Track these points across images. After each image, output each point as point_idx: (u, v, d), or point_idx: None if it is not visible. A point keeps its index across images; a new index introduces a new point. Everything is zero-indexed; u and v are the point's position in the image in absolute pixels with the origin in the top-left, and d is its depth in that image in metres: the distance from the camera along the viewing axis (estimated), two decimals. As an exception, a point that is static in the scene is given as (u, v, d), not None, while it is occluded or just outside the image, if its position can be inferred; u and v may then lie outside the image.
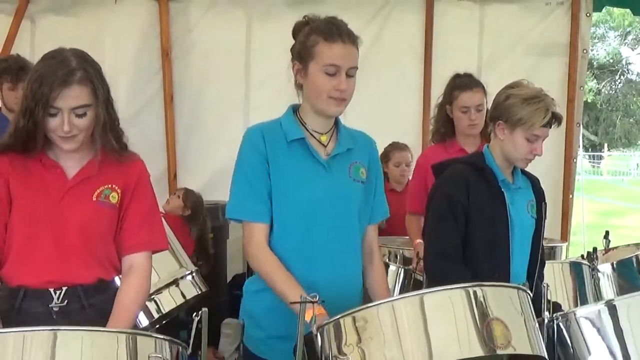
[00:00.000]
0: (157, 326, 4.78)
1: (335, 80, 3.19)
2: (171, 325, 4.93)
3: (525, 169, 3.97)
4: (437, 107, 5.33)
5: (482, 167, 3.86)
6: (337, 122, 3.40)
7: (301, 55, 3.25)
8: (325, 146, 3.34)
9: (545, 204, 4.03)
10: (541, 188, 4.06)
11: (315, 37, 3.21)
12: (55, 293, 3.09)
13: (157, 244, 3.39)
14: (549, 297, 3.53)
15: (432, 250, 3.88)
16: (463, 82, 5.13)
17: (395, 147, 6.76)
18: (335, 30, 3.20)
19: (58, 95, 2.95)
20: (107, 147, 3.14)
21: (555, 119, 3.74)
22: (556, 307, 3.88)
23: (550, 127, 3.77)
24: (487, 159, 3.90)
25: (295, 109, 3.38)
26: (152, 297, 4.50)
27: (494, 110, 3.87)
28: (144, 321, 4.51)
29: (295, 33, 3.33)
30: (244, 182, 3.27)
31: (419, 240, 5.06)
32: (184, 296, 4.78)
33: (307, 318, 2.87)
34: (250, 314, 3.39)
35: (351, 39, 3.23)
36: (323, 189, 3.28)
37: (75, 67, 2.99)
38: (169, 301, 4.68)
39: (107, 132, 3.11)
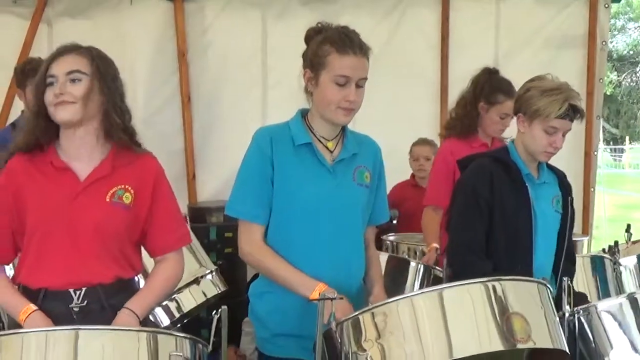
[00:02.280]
0: (178, 325, 4.80)
1: (345, 90, 3.23)
2: (192, 324, 4.95)
3: (551, 164, 3.95)
4: (464, 100, 5.23)
5: (507, 161, 3.86)
6: (343, 128, 3.43)
7: (313, 63, 3.29)
8: (331, 152, 3.38)
9: (572, 198, 4.01)
10: (568, 183, 4.05)
11: (328, 47, 3.25)
12: (75, 293, 3.10)
13: (185, 240, 3.45)
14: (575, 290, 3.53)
15: (457, 243, 3.87)
16: (508, 89, 5.02)
17: (416, 142, 6.77)
18: (347, 42, 3.24)
19: (54, 62, 3.04)
20: (116, 142, 3.15)
21: (576, 111, 3.72)
22: (582, 297, 3.87)
23: (572, 121, 3.74)
24: (512, 153, 3.90)
25: (303, 114, 3.42)
26: (173, 296, 4.51)
27: (516, 103, 3.88)
28: (164, 320, 4.52)
29: (307, 39, 3.37)
30: (246, 182, 3.33)
31: (435, 245, 5.04)
32: (204, 295, 4.79)
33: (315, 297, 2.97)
34: (257, 315, 3.44)
35: (362, 51, 3.27)
36: (328, 193, 3.31)
37: (80, 45, 3.11)
38: (189, 300, 4.68)
39: (111, 123, 3.13)
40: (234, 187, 3.37)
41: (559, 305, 3.37)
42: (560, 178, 4.02)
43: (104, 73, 3.10)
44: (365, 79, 3.28)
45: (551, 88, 3.72)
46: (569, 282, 3.49)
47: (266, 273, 3.33)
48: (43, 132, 3.11)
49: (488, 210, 3.77)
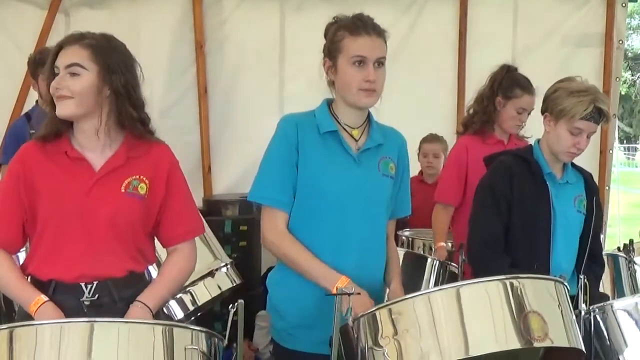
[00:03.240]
0: (192, 318, 4.80)
1: (363, 71, 3.24)
2: (205, 317, 4.95)
3: (578, 165, 3.97)
4: (481, 97, 5.23)
5: (529, 159, 3.87)
6: (369, 117, 3.44)
7: (330, 51, 3.32)
8: (356, 140, 3.38)
9: (598, 199, 4.00)
10: (594, 184, 4.05)
11: (342, 32, 3.28)
12: (86, 287, 3.08)
13: (198, 230, 3.44)
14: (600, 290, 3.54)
15: (475, 240, 3.89)
16: (526, 84, 5.06)
17: (425, 138, 6.77)
18: (360, 24, 3.27)
19: (59, 53, 3.04)
20: (127, 131, 3.14)
21: (601, 114, 3.71)
22: (603, 298, 3.87)
23: (597, 123, 3.74)
24: (535, 152, 3.91)
25: (329, 103, 3.42)
26: (187, 289, 4.50)
27: (543, 103, 3.90)
28: (178, 313, 4.51)
29: (326, 34, 3.39)
30: (270, 168, 3.32)
31: (442, 244, 5.06)
32: (219, 288, 4.79)
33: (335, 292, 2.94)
34: (275, 306, 3.44)
35: (376, 31, 3.30)
36: (353, 182, 3.31)
37: (85, 35, 3.07)
38: (203, 293, 4.68)
39: (122, 114, 3.10)
40: (257, 173, 3.36)
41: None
42: (587, 179, 4.02)
43: (109, 64, 3.05)
44: (384, 58, 3.30)
45: (579, 89, 3.72)
46: (586, 280, 3.50)
47: (289, 262, 3.32)
48: (60, 121, 3.10)
49: (507, 207, 3.78)
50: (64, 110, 3.05)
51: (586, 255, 3.92)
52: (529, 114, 5.04)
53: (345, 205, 3.29)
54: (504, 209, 3.79)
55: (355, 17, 3.32)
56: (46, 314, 2.96)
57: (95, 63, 3.03)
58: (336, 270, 3.23)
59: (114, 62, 3.06)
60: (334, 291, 2.99)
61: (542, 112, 3.89)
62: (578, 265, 3.92)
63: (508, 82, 5.09)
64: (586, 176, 4.03)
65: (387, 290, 3.46)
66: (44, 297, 3.00)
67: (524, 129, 5.15)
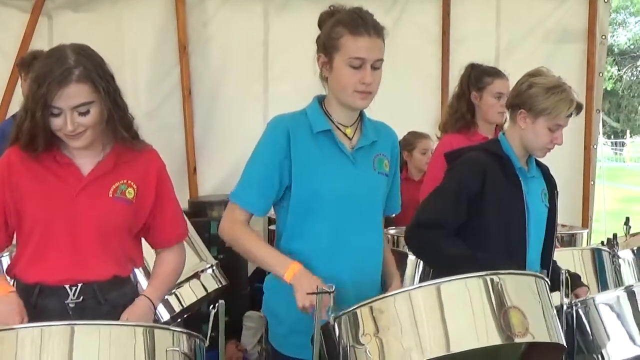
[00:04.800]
0: (178, 320, 4.80)
1: (360, 73, 3.14)
2: (192, 318, 4.95)
3: (538, 158, 3.95)
4: (456, 96, 5.33)
5: (500, 155, 3.82)
6: (361, 114, 3.37)
7: (326, 47, 3.21)
8: (350, 139, 3.32)
9: (557, 192, 4.00)
10: (552, 176, 4.03)
11: (341, 29, 3.16)
12: (70, 289, 3.09)
13: (185, 234, 3.47)
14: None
15: (416, 220, 3.72)
16: (493, 70, 5.20)
17: (419, 135, 6.74)
18: (361, 23, 3.16)
19: (56, 95, 2.92)
20: (117, 138, 3.12)
21: (577, 108, 3.74)
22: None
23: (571, 117, 3.75)
24: (504, 146, 3.84)
25: (320, 100, 3.35)
26: (173, 290, 4.49)
27: (515, 98, 3.82)
28: (165, 315, 4.52)
29: (320, 24, 3.30)
30: (253, 173, 3.28)
31: None
32: (205, 289, 4.79)
33: (287, 279, 3.00)
34: (272, 310, 3.39)
35: (377, 31, 3.18)
36: (351, 181, 3.26)
37: (72, 64, 2.95)
38: (189, 295, 4.69)
39: (116, 124, 3.08)
40: (242, 175, 3.32)
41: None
42: (545, 172, 4.00)
43: (105, 88, 3.01)
44: (381, 60, 3.18)
45: (554, 86, 3.71)
46: (567, 274, 3.52)
47: (241, 251, 3.27)
48: (34, 143, 3.05)
49: (467, 205, 3.68)
50: (83, 143, 3.05)
51: (553, 248, 3.93)
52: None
53: (342, 205, 3.24)
54: (462, 207, 3.67)
55: (355, 12, 3.21)
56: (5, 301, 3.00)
57: (97, 92, 2.99)
58: (335, 269, 3.19)
59: (102, 78, 3.02)
60: (289, 276, 3.03)
61: (513, 107, 3.83)
62: (544, 259, 3.89)
63: (476, 75, 5.20)
64: (544, 169, 4.00)
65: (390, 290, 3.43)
66: (10, 287, 3.05)
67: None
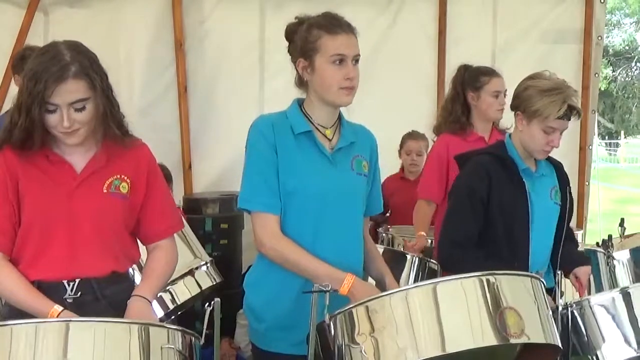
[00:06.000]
0: (172, 317, 4.79)
1: (343, 69, 3.23)
2: (186, 316, 4.95)
3: (538, 159, 3.96)
4: (450, 98, 5.34)
5: (504, 157, 3.87)
6: (340, 117, 3.43)
7: (305, 51, 3.28)
8: (329, 140, 3.37)
9: (570, 188, 4.05)
10: (565, 172, 4.08)
11: (318, 31, 3.25)
12: (68, 285, 3.09)
13: (178, 226, 3.47)
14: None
15: (444, 239, 3.90)
16: (488, 70, 5.22)
17: (409, 135, 6.80)
18: (336, 23, 3.27)
19: (53, 91, 2.91)
20: (109, 135, 3.12)
21: (573, 111, 3.73)
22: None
23: (569, 120, 3.76)
24: (509, 148, 3.91)
25: (300, 103, 3.41)
26: (167, 287, 4.49)
27: (514, 100, 3.89)
28: (159, 312, 4.50)
29: (290, 34, 3.37)
30: (256, 173, 3.28)
31: (423, 233, 5.11)
32: (199, 286, 4.79)
33: (345, 291, 3.04)
34: (251, 307, 3.42)
35: (351, 29, 3.30)
36: (330, 182, 3.30)
37: (69, 61, 2.94)
38: (183, 292, 4.68)
39: (108, 121, 3.08)
40: (243, 179, 3.32)
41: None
42: (558, 168, 4.05)
43: (100, 84, 3.02)
44: (359, 55, 3.29)
45: (550, 88, 3.73)
46: (562, 274, 3.54)
47: (290, 266, 3.25)
48: (30, 140, 3.03)
49: (483, 208, 3.79)
50: (78, 140, 3.05)
51: (561, 246, 3.94)
52: (505, 95, 5.09)
53: (322, 205, 3.28)
54: (479, 212, 3.80)
55: (328, 15, 3.31)
56: None
57: (93, 88, 2.99)
58: None
59: (98, 74, 3.02)
60: (345, 291, 3.05)
61: (513, 109, 3.89)
62: (554, 257, 3.95)
63: (470, 75, 5.23)
64: (557, 165, 4.06)
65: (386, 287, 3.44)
66: (58, 308, 2.98)
67: (504, 123, 5.19)
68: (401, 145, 6.78)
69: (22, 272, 3.09)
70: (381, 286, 3.44)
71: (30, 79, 2.94)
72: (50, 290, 3.07)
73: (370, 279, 3.56)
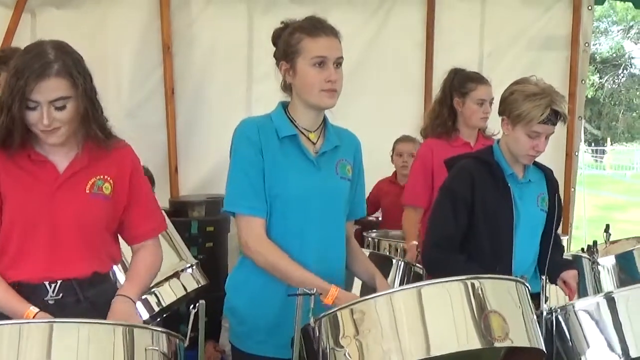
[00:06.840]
0: (157, 319, 4.78)
1: (325, 71, 3.25)
2: (171, 318, 4.94)
3: (538, 162, 3.99)
4: (438, 101, 5.34)
5: (490, 161, 3.89)
6: (325, 120, 3.44)
7: (287, 54, 3.30)
8: (314, 143, 3.38)
9: (559, 195, 4.05)
10: (554, 179, 4.09)
11: (299, 34, 3.27)
12: (50, 286, 3.07)
13: (161, 227, 3.47)
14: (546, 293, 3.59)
15: (427, 242, 3.94)
16: (476, 76, 5.21)
17: (400, 138, 6.81)
18: (318, 26, 3.29)
19: (34, 88, 2.91)
20: (90, 136, 3.11)
21: (558, 116, 3.74)
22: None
23: (555, 125, 3.76)
24: (496, 153, 3.93)
25: (284, 106, 3.41)
26: (152, 290, 4.48)
27: (500, 104, 3.91)
28: (144, 314, 4.49)
29: (275, 38, 3.39)
30: (241, 175, 3.28)
31: (414, 242, 5.11)
32: (184, 289, 4.77)
33: (329, 302, 3.02)
34: (233, 310, 3.43)
35: (333, 32, 3.31)
36: (314, 186, 3.31)
37: (52, 59, 2.94)
38: (169, 294, 4.66)
39: (90, 122, 3.07)
40: (228, 182, 3.33)
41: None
42: (548, 175, 4.06)
43: (82, 84, 3.00)
44: (342, 58, 3.30)
45: (534, 92, 3.74)
46: (547, 280, 3.54)
47: (274, 271, 3.26)
48: (10, 138, 3.02)
49: (467, 212, 3.80)
50: (58, 139, 3.04)
51: (549, 252, 3.95)
52: (490, 104, 5.09)
53: (306, 208, 3.29)
54: (462, 214, 3.81)
55: (311, 18, 3.33)
56: None
57: (75, 87, 2.98)
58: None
59: (81, 75, 3.01)
60: (329, 302, 3.04)
61: (500, 114, 3.90)
62: (541, 263, 3.96)
63: (459, 80, 5.21)
64: (547, 172, 4.07)
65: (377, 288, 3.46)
66: (34, 309, 2.97)
67: (492, 129, 5.20)
68: (393, 149, 6.80)
69: (3, 273, 3.07)
70: (371, 287, 3.46)
71: (12, 76, 2.94)
72: (31, 291, 3.06)
73: (356, 286, 3.58)
